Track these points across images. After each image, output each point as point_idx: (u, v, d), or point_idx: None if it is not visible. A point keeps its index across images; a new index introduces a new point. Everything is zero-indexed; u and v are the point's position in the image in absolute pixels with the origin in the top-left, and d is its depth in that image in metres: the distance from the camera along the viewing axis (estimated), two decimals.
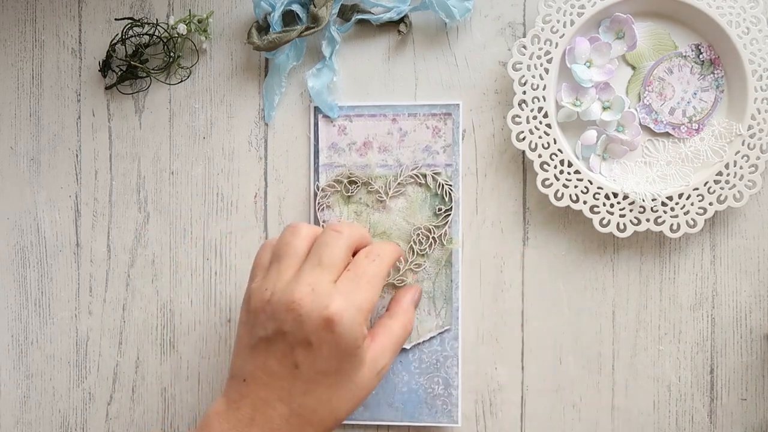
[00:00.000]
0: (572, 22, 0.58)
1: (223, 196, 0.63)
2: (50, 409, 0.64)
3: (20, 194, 0.64)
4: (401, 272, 0.60)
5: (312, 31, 0.59)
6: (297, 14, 0.60)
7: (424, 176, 0.60)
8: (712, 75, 0.60)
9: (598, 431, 0.61)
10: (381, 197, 0.61)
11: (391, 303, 0.58)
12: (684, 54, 0.60)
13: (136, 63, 0.62)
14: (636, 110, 0.60)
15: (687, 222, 0.59)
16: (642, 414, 0.61)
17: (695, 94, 0.60)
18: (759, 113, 0.58)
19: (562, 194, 0.59)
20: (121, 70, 0.63)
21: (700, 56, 0.60)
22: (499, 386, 0.61)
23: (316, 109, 0.61)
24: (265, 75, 0.62)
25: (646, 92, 0.60)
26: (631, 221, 0.59)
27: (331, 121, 0.61)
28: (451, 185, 0.60)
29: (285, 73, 0.61)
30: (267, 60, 0.63)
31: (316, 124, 0.61)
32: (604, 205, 0.59)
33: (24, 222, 0.64)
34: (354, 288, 0.51)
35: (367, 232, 0.56)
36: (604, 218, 0.59)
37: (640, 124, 0.60)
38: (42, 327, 0.64)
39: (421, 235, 0.60)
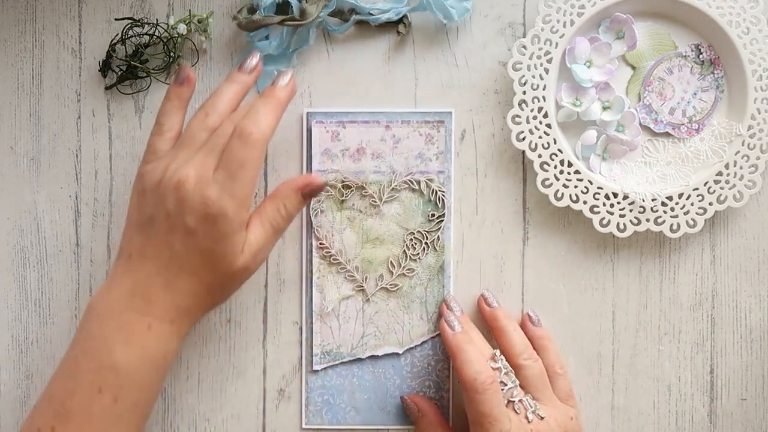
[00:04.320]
0: (572, 22, 0.59)
1: None
2: None
3: (20, 194, 0.64)
4: (394, 277, 0.60)
5: (294, 22, 0.59)
6: (291, 7, 0.60)
7: (418, 182, 0.60)
8: (712, 75, 0.60)
9: (598, 431, 0.61)
10: (375, 202, 0.61)
11: (278, 187, 0.56)
12: (684, 54, 0.60)
13: (136, 63, 0.62)
14: (636, 110, 0.60)
15: (687, 222, 0.59)
16: (642, 414, 0.61)
17: (695, 94, 0.60)
18: (759, 113, 0.58)
19: (562, 194, 0.59)
20: (121, 70, 0.63)
21: (700, 56, 0.60)
22: None
23: (309, 115, 0.61)
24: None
25: (646, 92, 0.60)
26: (631, 221, 0.59)
27: (324, 127, 0.61)
28: (444, 192, 0.60)
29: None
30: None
31: (309, 130, 0.61)
32: (604, 205, 0.59)
33: (24, 222, 0.64)
34: (228, 176, 0.52)
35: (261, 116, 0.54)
36: (604, 218, 0.59)
37: (640, 124, 0.60)
38: (42, 327, 0.64)
39: (414, 240, 0.60)
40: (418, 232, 0.60)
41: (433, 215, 0.61)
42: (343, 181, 0.61)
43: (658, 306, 0.61)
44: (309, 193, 0.55)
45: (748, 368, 0.61)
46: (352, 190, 0.61)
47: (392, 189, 0.60)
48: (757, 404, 0.60)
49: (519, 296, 0.61)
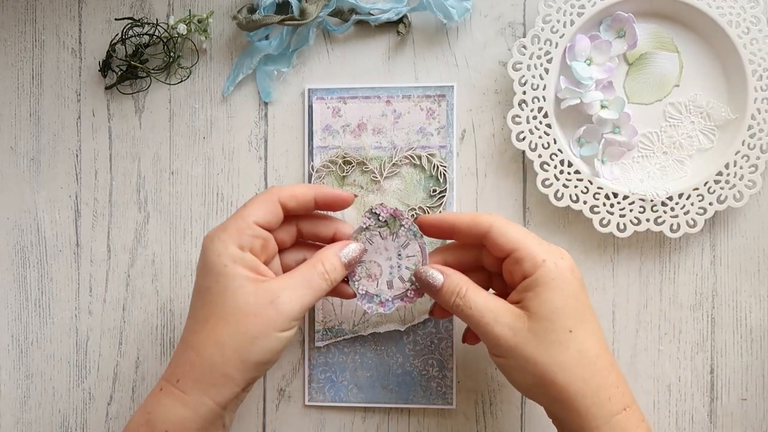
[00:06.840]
0: (572, 22, 0.58)
1: (223, 196, 0.63)
2: (50, 409, 0.64)
3: (20, 194, 0.64)
4: None
5: (294, 22, 0.59)
6: (291, 7, 0.60)
7: (419, 157, 0.60)
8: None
9: None
10: (376, 177, 0.61)
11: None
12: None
13: (136, 63, 0.62)
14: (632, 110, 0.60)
15: (687, 222, 0.59)
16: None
17: None
18: (759, 113, 0.58)
19: (562, 194, 0.59)
20: (121, 70, 0.63)
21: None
22: (498, 386, 0.61)
23: (311, 92, 0.61)
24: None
25: None
26: (631, 221, 0.59)
27: (325, 103, 0.61)
28: (445, 167, 0.60)
29: (258, 58, 0.61)
30: None
31: (310, 106, 0.61)
32: (604, 205, 0.59)
33: (24, 222, 0.64)
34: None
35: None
36: (604, 218, 0.59)
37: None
38: (42, 327, 0.64)
39: (415, 216, 0.60)
40: (420, 207, 0.60)
41: (434, 190, 0.61)
42: (344, 157, 0.61)
43: (658, 306, 0.61)
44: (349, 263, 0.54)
45: (748, 368, 0.61)
46: (353, 166, 0.61)
47: (393, 164, 0.61)
48: (757, 404, 0.60)
49: None
